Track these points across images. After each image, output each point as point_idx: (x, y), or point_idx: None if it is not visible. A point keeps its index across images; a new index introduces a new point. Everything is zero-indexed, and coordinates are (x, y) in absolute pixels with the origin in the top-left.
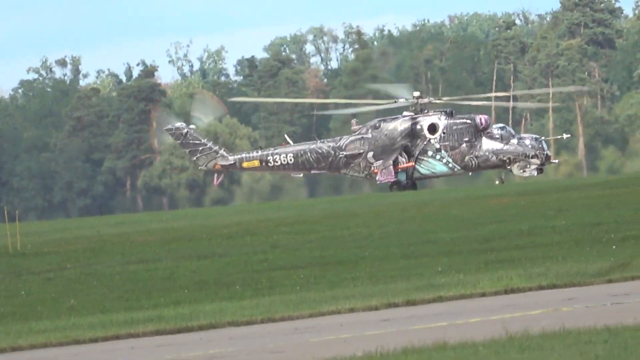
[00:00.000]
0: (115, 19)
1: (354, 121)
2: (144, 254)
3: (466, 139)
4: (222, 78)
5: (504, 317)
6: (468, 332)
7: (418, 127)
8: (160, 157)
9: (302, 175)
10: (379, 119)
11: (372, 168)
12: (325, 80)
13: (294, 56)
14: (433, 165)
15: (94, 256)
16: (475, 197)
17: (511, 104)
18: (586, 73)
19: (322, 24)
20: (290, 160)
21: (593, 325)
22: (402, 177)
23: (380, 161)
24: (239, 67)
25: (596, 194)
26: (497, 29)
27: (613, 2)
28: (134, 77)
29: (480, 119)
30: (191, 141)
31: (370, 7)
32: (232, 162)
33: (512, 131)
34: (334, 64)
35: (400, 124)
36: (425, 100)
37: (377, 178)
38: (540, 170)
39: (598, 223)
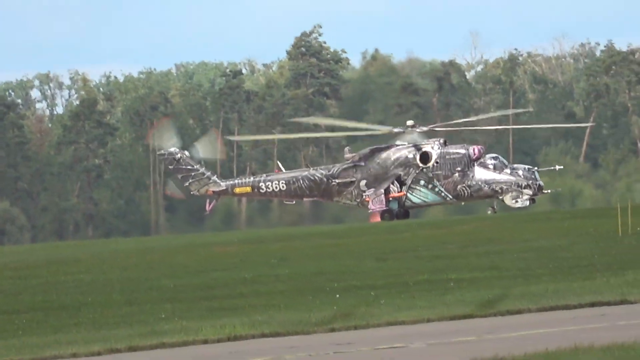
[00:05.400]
0: None
1: (347, 149)
2: None
3: (459, 168)
4: None
5: None
6: None
7: (411, 156)
8: None
9: (294, 202)
10: (372, 147)
11: (364, 196)
12: (50, 125)
13: (19, 101)
14: (425, 194)
15: None
16: (199, 244)
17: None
18: (312, 124)
19: (49, 69)
20: (283, 187)
21: None
22: (394, 206)
23: (372, 190)
24: None
25: (320, 243)
26: (223, 77)
27: (339, 52)
28: None
29: (474, 149)
30: (184, 167)
31: (97, 54)
32: (224, 187)
33: (505, 161)
34: (59, 109)
35: (393, 153)
36: (420, 129)
37: (368, 207)
38: (532, 200)
39: (321, 272)
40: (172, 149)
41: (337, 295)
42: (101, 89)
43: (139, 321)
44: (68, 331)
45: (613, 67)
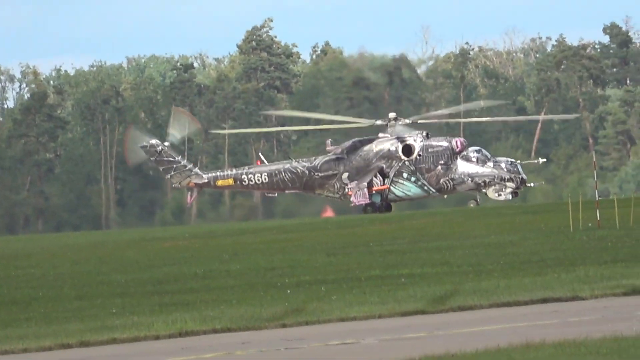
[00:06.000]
0: None
1: (328, 141)
2: None
3: (442, 161)
4: None
5: None
6: None
7: (393, 148)
8: None
9: (276, 194)
10: (354, 139)
11: (347, 189)
12: (1, 118)
13: None
14: (408, 187)
15: None
16: (150, 239)
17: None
18: (262, 117)
19: None
20: (265, 179)
21: None
22: (377, 199)
23: (355, 182)
24: None
25: (271, 238)
26: (174, 71)
27: (290, 47)
28: None
29: (457, 142)
30: (165, 159)
31: (47, 47)
32: (206, 180)
33: (488, 154)
34: (10, 103)
35: (375, 146)
36: (402, 121)
37: (351, 199)
38: (515, 193)
39: (272, 267)
40: (153, 141)
41: (289, 291)
42: (52, 82)
43: (89, 316)
44: (18, 326)
45: (564, 61)
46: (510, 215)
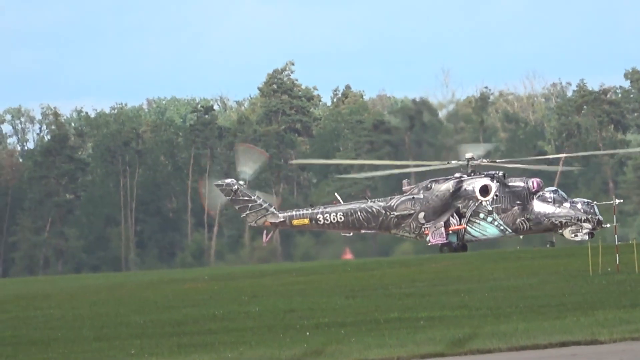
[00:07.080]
0: None
1: (405, 181)
2: None
3: (518, 201)
4: None
5: None
6: None
7: (470, 188)
8: None
9: (351, 234)
10: (430, 179)
11: (423, 229)
12: (21, 160)
13: None
14: (484, 227)
15: None
16: (169, 280)
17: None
18: (282, 160)
19: (20, 104)
20: (341, 218)
21: None
22: (453, 239)
23: (431, 222)
24: None
25: (290, 280)
26: (195, 113)
27: (311, 89)
28: None
29: (533, 182)
30: (241, 197)
31: (68, 89)
32: (282, 219)
33: (564, 195)
34: (30, 145)
35: (452, 186)
36: (478, 162)
37: (427, 239)
38: (591, 234)
39: (291, 309)
40: (228, 180)
41: (307, 333)
42: (72, 124)
43: (108, 357)
44: None
45: (585, 106)
46: (529, 259)
